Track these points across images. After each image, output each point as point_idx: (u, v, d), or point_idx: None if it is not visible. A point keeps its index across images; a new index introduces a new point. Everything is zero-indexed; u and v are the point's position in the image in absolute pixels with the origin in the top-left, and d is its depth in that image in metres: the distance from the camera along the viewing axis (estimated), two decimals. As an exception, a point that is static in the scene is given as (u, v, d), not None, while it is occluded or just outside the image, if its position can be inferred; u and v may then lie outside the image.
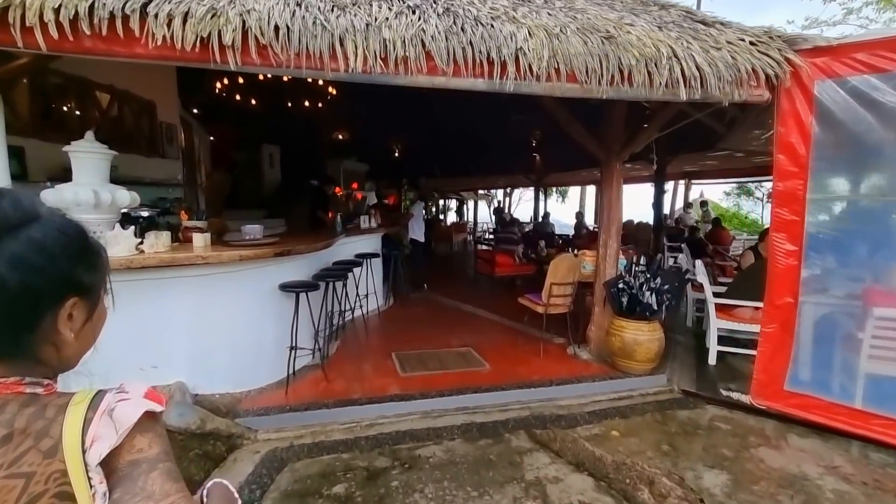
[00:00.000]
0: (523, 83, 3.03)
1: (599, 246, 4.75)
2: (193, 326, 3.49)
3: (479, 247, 7.82)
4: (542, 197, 15.17)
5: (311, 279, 4.31)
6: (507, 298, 6.89)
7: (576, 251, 6.27)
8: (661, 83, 3.12)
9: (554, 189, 25.59)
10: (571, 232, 11.52)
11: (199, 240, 3.56)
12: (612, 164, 4.64)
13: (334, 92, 7.43)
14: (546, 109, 4.61)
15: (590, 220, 16.05)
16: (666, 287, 4.21)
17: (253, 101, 7.19)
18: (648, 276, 4.27)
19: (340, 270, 4.74)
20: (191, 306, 3.47)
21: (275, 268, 3.87)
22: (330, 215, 9.79)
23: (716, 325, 4.80)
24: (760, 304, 3.99)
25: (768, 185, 23.24)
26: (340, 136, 15.41)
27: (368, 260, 5.92)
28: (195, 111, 7.85)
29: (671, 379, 4.41)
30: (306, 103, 7.45)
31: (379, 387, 3.95)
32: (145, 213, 4.66)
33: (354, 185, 11.00)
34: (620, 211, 4.74)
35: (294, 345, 3.82)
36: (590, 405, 3.96)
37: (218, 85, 6.48)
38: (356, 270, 5.42)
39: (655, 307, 4.13)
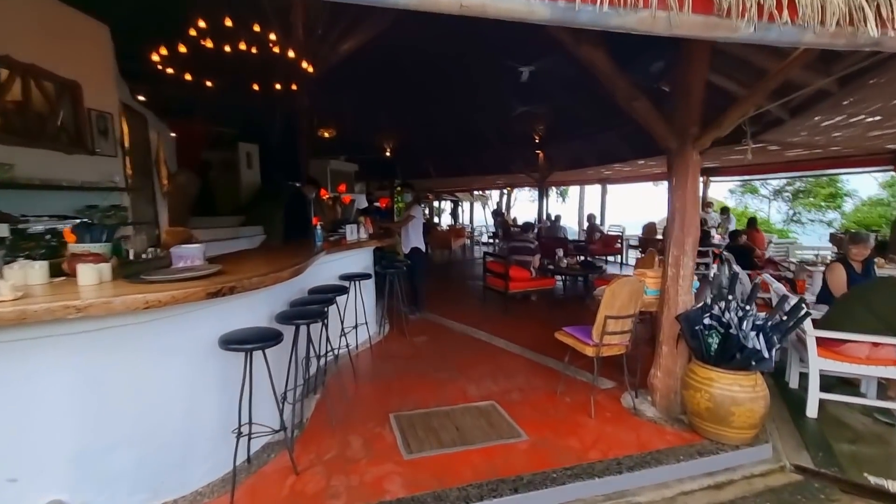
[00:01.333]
0: (609, 10, 1.80)
1: (668, 265, 3.54)
2: (80, 412, 2.21)
3: (488, 258, 6.48)
4: (545, 197, 13.99)
5: (275, 320, 3.05)
6: (526, 320, 5.68)
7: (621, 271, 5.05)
8: (834, 17, 1.88)
9: (554, 189, 24.46)
10: (582, 236, 10.33)
11: (87, 275, 2.27)
12: (688, 153, 3.42)
13: (310, 69, 6.13)
14: (600, 80, 3.41)
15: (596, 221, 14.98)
16: (776, 322, 3.00)
17: (209, 83, 5.83)
18: (748, 308, 3.05)
19: (317, 304, 3.47)
20: (75, 381, 2.19)
21: (214, 312, 2.59)
22: (315, 222, 8.64)
23: (818, 365, 3.62)
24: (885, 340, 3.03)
25: (775, 182, 22.33)
26: (326, 134, 14.12)
27: (357, 283, 4.65)
28: (143, 99, 6.49)
29: (776, 448, 3.20)
30: (277, 86, 6.12)
31: (373, 483, 2.68)
32: (41, 228, 3.37)
33: (342, 188, 9.71)
34: (697, 217, 3.53)
35: (242, 429, 2.55)
36: (679, 499, 2.74)
37: (156, 58, 5.13)
38: (341, 299, 4.15)
39: (766, 354, 2.91)
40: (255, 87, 5.81)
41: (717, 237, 10.23)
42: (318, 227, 5.40)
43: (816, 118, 6.10)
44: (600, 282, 5.91)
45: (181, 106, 9.45)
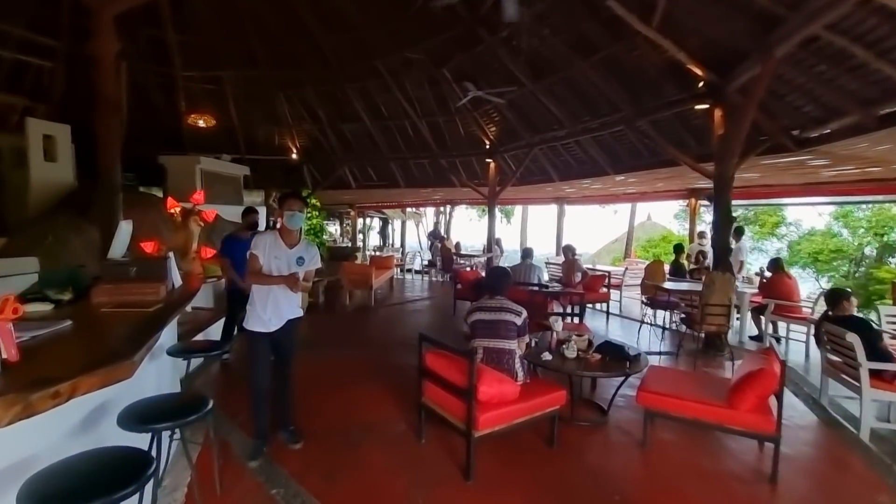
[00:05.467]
0: None
1: None
2: None
3: (426, 345, 3.03)
4: (493, 218, 11.19)
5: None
6: None
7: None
8: None
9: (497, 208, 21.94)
10: (545, 275, 7.51)
11: None
12: None
13: None
14: None
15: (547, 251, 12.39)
16: None
17: None
18: None
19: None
20: None
21: None
22: (152, 248, 5.11)
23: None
24: None
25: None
26: (202, 122, 10.27)
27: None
28: None
29: None
30: None
31: None
32: None
33: (196, 196, 6.06)
34: None
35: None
36: None
37: None
38: None
39: None
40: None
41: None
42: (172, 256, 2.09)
43: None
44: (649, 398, 2.98)
45: None
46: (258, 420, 2.85)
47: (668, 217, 23.63)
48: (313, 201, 13.42)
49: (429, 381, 3.01)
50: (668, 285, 5.52)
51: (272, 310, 2.75)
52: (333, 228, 18.92)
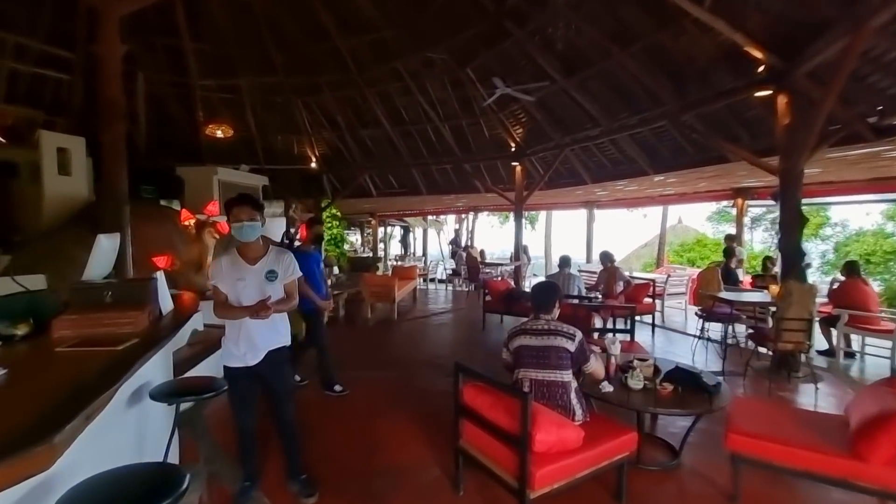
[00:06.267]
0: None
1: None
2: None
3: (463, 376, 2.52)
4: (521, 224, 10.59)
5: None
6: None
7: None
8: None
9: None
10: (583, 284, 6.87)
11: None
12: None
13: None
14: None
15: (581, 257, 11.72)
16: None
17: None
18: None
19: None
20: None
21: None
22: (164, 264, 4.90)
23: None
24: None
25: (755, 209, 20.50)
26: (220, 133, 10.08)
27: None
28: None
29: None
30: None
31: None
32: None
33: (209, 208, 5.76)
34: None
35: None
36: None
37: None
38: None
39: None
40: None
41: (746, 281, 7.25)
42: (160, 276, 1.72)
43: None
44: (741, 441, 2.41)
45: None
46: (246, 463, 2.47)
47: (699, 220, 22.55)
48: (333, 211, 13.13)
49: (467, 421, 2.49)
50: (728, 296, 4.85)
51: (245, 342, 2.28)
52: (354, 238, 18.63)
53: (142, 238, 6.11)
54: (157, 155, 9.40)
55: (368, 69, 8.99)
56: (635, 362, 2.95)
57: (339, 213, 13.62)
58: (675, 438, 3.09)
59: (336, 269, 9.21)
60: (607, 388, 2.74)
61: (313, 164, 11.70)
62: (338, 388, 4.04)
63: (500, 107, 8.55)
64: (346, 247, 15.33)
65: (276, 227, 9.47)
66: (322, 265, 4.30)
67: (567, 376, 2.49)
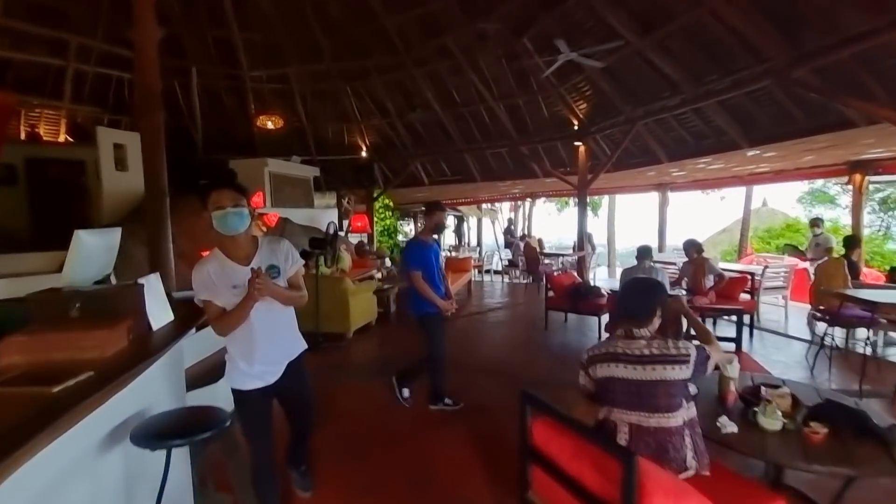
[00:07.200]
0: None
1: None
2: None
3: (531, 410, 1.85)
4: (585, 211, 9.62)
5: None
6: None
7: None
8: None
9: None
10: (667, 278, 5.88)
11: None
12: None
13: None
14: None
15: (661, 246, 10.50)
16: None
17: None
18: None
19: None
20: None
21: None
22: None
23: None
24: None
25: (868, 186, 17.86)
26: (270, 124, 10.01)
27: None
28: None
29: None
30: None
31: None
32: None
33: (254, 199, 5.51)
34: None
35: None
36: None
37: None
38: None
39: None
40: None
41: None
42: (152, 280, 1.38)
43: None
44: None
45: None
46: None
47: (788, 202, 20.03)
48: (386, 201, 12.82)
49: (539, 467, 1.88)
50: (867, 294, 3.80)
51: (261, 360, 1.86)
52: (408, 228, 18.34)
53: (193, 232, 5.99)
54: (212, 149, 9.48)
55: (417, 48, 8.44)
56: (765, 391, 2.18)
57: (391, 204, 13.31)
58: (816, 490, 2.28)
59: (388, 262, 8.84)
60: (730, 427, 2.00)
61: (364, 153, 11.41)
62: (448, 401, 3.46)
63: (560, 80, 7.68)
64: (400, 237, 15.04)
65: (326, 219, 9.26)
66: (441, 259, 3.67)
67: (678, 419, 1.80)
